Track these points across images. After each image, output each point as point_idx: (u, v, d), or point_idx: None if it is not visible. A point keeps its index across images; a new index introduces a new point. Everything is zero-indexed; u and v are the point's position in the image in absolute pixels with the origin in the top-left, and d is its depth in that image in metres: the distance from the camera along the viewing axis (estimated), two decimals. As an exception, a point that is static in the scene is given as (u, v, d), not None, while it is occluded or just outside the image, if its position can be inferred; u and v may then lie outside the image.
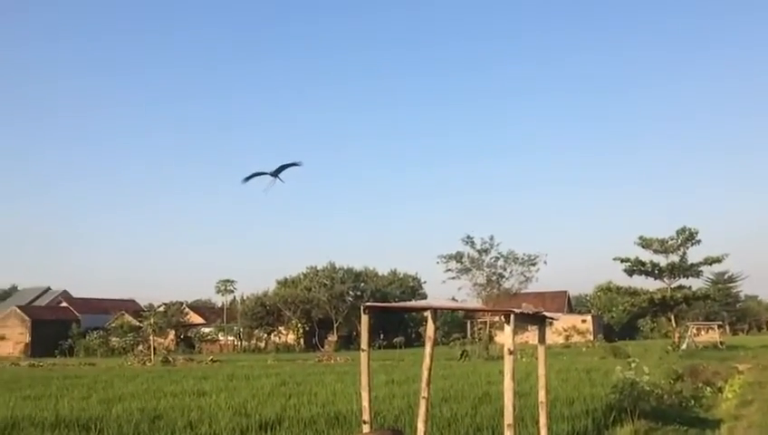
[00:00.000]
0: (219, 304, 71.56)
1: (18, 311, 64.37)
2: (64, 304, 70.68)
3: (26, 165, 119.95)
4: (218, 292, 67.72)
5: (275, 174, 9.48)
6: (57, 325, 61.78)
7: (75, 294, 74.43)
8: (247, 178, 9.57)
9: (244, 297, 66.58)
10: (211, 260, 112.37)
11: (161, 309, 60.17)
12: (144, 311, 58.71)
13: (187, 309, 66.62)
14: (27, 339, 61.39)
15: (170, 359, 37.53)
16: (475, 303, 37.95)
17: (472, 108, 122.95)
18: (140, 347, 50.09)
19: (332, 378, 18.19)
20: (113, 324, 61.57)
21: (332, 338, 60.04)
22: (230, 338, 62.99)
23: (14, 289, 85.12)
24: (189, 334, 62.68)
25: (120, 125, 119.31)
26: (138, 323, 57.56)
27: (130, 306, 68.58)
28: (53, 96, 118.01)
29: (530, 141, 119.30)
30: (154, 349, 43.56)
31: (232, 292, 67.81)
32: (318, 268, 65.49)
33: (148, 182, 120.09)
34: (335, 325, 60.47)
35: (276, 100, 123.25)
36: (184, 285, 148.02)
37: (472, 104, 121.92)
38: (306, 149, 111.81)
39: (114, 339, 58.35)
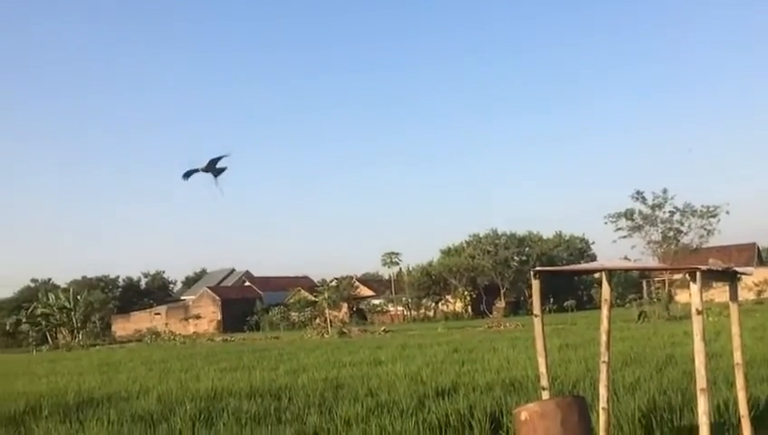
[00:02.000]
0: (386, 277, 73.77)
1: (209, 292, 70.76)
2: (247, 284, 76.63)
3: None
4: (384, 264, 69.79)
5: (208, 169, 8.39)
6: (243, 303, 67.20)
7: (256, 273, 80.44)
8: (186, 176, 8.51)
9: (410, 268, 68.10)
10: (375, 234, 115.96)
11: (333, 284, 63.27)
12: (318, 286, 62.03)
13: (356, 283, 69.48)
14: (219, 317, 67.34)
15: (346, 331, 39.37)
16: (650, 261, 35.87)
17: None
18: (317, 320, 53.07)
19: (504, 344, 18.08)
20: (291, 300, 65.78)
21: (500, 304, 59.76)
22: (399, 308, 64.81)
23: (203, 272, 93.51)
24: (361, 306, 65.33)
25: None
26: (313, 298, 61.04)
27: (305, 283, 72.88)
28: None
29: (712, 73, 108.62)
30: (330, 322, 45.95)
31: (397, 264, 69.60)
32: (480, 235, 65.35)
33: (317, 164, 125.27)
34: (502, 291, 60.07)
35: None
36: (352, 260, 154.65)
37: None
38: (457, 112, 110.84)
39: (293, 314, 62.36)
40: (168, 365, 18.00)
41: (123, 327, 68.96)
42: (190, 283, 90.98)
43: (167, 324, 65.21)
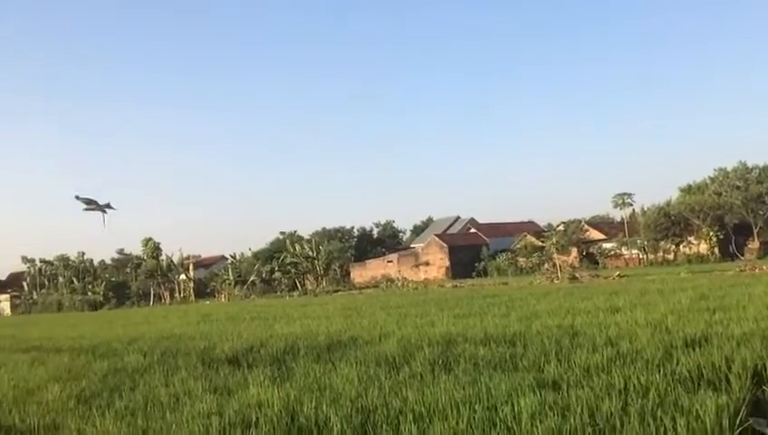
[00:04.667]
0: (618, 219, 69.99)
1: (437, 239, 72.94)
2: (473, 231, 77.62)
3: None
4: (615, 206, 66.21)
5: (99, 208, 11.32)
6: (469, 250, 68.33)
7: (480, 220, 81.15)
8: (79, 199, 11.60)
9: (644, 209, 63.78)
10: (604, 175, 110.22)
11: (561, 228, 61.60)
12: (544, 231, 60.89)
13: (585, 226, 66.90)
14: (447, 263, 69.27)
15: (577, 275, 38.25)
16: None
17: None
18: (546, 266, 52.22)
19: (760, 290, 16.18)
20: (517, 246, 65.40)
21: (753, 245, 53.70)
22: (633, 252, 61.25)
23: (429, 220, 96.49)
24: (591, 251, 62.90)
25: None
26: (540, 244, 60.08)
27: (530, 228, 71.93)
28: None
29: None
30: (559, 267, 44.93)
31: (630, 205, 65.63)
32: (728, 170, 58.92)
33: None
34: (755, 231, 53.84)
35: None
36: (579, 203, 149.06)
37: None
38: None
39: (521, 259, 62.01)
40: (404, 311, 18.91)
41: (360, 274, 73.97)
42: (418, 231, 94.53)
43: (399, 271, 68.69)
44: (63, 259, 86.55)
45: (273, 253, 76.18)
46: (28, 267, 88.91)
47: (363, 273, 73.98)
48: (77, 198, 11.85)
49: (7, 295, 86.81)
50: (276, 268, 71.03)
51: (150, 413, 6.67)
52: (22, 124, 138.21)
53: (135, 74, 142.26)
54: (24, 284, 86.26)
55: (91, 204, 11.78)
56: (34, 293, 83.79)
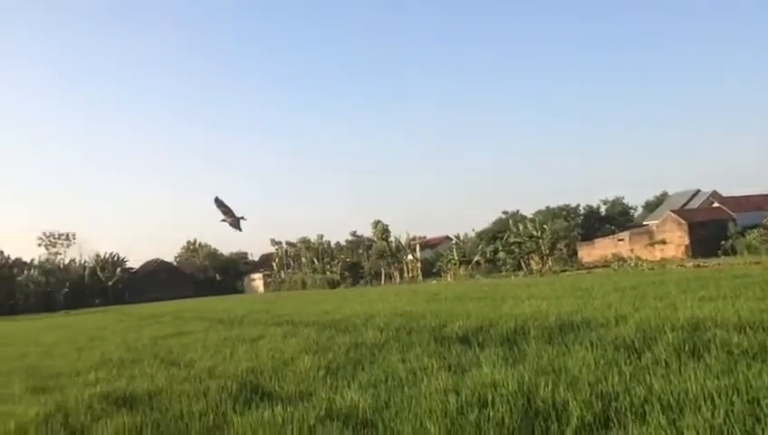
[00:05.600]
0: None
1: (673, 215, 67.41)
2: (716, 205, 70.44)
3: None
4: None
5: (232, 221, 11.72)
6: (712, 226, 62.20)
7: (724, 193, 73.36)
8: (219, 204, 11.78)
9: None
10: None
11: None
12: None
13: None
14: (686, 241, 63.74)
15: None
16: None
17: None
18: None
19: None
20: (771, 220, 58.13)
21: None
22: None
23: (664, 195, 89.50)
24: None
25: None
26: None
27: (787, 200, 63.43)
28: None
29: None
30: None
31: None
32: None
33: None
34: None
35: None
36: None
37: None
38: None
39: (777, 235, 55.01)
40: (640, 292, 17.75)
41: (588, 253, 71.09)
42: (651, 207, 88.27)
43: (632, 250, 64.75)
44: (305, 241, 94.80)
45: (496, 233, 76.26)
46: (276, 249, 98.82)
47: (591, 252, 71.05)
48: (216, 201, 12.62)
49: (260, 274, 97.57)
50: (500, 248, 70.98)
51: (390, 387, 7.03)
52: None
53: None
54: (274, 264, 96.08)
55: (228, 214, 12.75)
56: (282, 272, 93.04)
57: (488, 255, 71.26)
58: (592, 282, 26.33)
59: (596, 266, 57.12)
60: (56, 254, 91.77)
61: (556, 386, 6.20)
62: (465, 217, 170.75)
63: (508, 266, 67.73)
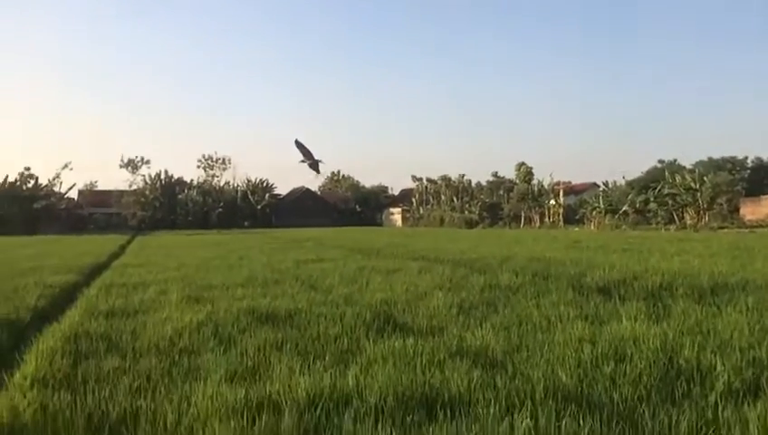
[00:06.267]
0: None
1: None
2: None
3: None
4: None
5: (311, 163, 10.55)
6: None
7: None
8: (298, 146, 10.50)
9: None
10: None
11: None
12: None
13: None
14: None
15: None
16: None
17: None
18: None
19: None
20: None
21: None
22: None
23: None
24: None
25: None
26: None
27: None
28: None
29: None
30: None
31: None
32: None
33: None
34: None
35: None
36: None
37: None
38: None
39: None
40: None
41: (752, 211, 65.32)
42: (833, 164, 79.08)
43: (806, 210, 58.80)
44: (445, 179, 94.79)
45: (648, 182, 71.90)
46: (416, 185, 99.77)
47: (756, 210, 65.19)
48: (296, 143, 13.26)
49: (399, 209, 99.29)
50: (651, 199, 67.03)
51: (523, 331, 6.92)
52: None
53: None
54: (413, 199, 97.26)
55: (307, 156, 13.37)
56: (420, 208, 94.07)
57: (637, 205, 67.58)
58: (755, 242, 24.28)
59: (760, 226, 52.53)
60: (213, 176, 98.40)
61: (702, 348, 5.80)
62: (616, 164, 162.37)
63: (659, 219, 63.99)
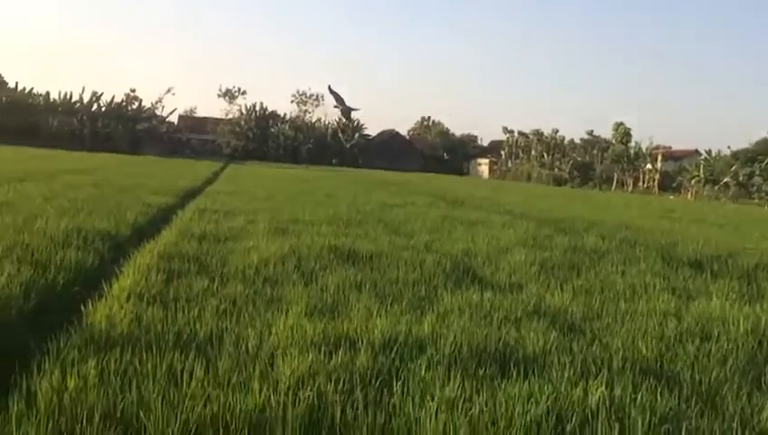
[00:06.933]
0: None
1: None
2: None
3: None
4: None
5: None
6: None
7: None
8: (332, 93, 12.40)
9: None
10: None
11: None
12: None
13: None
14: None
15: None
16: None
17: None
18: None
19: None
20: None
21: None
22: None
23: None
24: None
25: None
26: None
27: None
28: None
29: None
30: None
31: None
32: None
33: None
34: None
35: None
36: None
37: None
38: None
39: None
40: None
41: None
42: None
43: None
44: (537, 133, 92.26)
45: (756, 154, 67.57)
46: (507, 138, 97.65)
47: None
48: (330, 90, 13.95)
49: (487, 160, 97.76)
50: (757, 172, 63.13)
51: (605, 298, 6.76)
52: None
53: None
54: (502, 152, 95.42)
55: (340, 102, 13.96)
56: (509, 161, 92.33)
57: (741, 178, 63.83)
58: None
59: None
60: (305, 112, 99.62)
61: (798, 336, 5.52)
62: (722, 132, 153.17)
63: (763, 194, 60.35)
